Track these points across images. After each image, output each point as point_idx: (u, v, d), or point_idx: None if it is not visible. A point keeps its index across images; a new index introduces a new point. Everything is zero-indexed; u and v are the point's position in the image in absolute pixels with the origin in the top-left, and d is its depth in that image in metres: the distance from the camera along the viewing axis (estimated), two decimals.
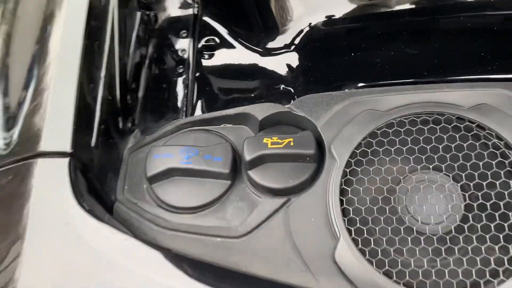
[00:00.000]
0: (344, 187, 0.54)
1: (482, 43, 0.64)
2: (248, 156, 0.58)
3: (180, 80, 0.75)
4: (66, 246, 0.52)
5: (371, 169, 0.55)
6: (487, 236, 0.49)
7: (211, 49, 0.76)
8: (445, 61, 0.64)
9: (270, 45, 0.74)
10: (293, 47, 0.72)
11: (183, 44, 0.77)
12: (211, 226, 0.57)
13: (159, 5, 0.78)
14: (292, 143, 0.58)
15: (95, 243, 0.51)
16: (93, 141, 0.61)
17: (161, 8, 0.78)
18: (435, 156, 0.54)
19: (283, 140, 0.58)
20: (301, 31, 0.72)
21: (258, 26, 0.76)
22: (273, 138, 0.59)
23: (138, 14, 0.74)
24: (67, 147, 0.57)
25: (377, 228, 0.52)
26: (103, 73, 0.64)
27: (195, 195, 0.60)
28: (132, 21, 0.73)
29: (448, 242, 0.50)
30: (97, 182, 0.62)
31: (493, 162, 0.53)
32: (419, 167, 0.55)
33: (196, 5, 0.79)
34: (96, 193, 0.60)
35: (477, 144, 0.54)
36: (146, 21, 0.76)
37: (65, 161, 0.56)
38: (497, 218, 0.50)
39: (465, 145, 0.54)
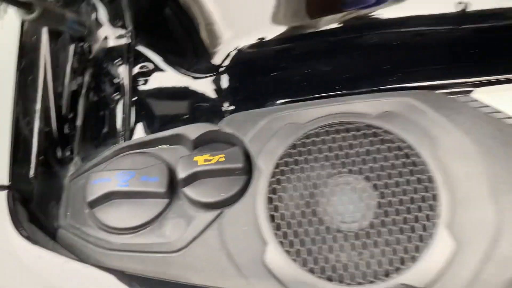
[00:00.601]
0: (270, 195, 0.60)
1: (386, 57, 0.72)
2: (181, 174, 0.62)
3: (117, 106, 0.79)
4: (9, 275, 0.55)
5: (293, 177, 0.61)
6: (395, 229, 0.56)
7: (145, 75, 0.80)
8: (355, 74, 0.71)
9: (201, 68, 0.79)
10: (222, 69, 0.78)
11: (119, 72, 0.81)
12: (151, 243, 0.61)
13: (92, 36, 0.81)
14: (223, 159, 0.63)
15: (37, 269, 0.54)
16: (32, 172, 0.64)
17: (94, 39, 0.82)
18: (349, 161, 0.61)
19: (214, 156, 0.63)
20: (229, 54, 0.77)
21: (189, 51, 0.81)
22: (204, 155, 0.63)
23: (72, 46, 0.78)
24: (4, 180, 0.59)
25: (301, 231, 0.57)
26: (38, 105, 0.67)
27: (134, 216, 0.63)
28: (65, 54, 0.76)
29: (363, 237, 0.56)
30: (38, 211, 0.64)
31: (398, 162, 0.59)
32: (335, 172, 0.61)
33: (129, 35, 0.83)
34: (38, 221, 0.63)
35: (384, 147, 0.61)
36: (80, 52, 0.79)
37: (3, 193, 0.58)
38: (403, 212, 0.56)
39: (374, 148, 0.61)
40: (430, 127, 0.61)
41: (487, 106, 0.63)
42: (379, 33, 0.74)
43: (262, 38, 0.76)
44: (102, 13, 0.83)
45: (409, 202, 0.57)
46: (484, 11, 0.72)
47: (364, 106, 0.64)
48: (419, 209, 0.56)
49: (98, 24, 0.83)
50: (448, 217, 0.55)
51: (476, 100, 0.64)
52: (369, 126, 0.62)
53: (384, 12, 0.73)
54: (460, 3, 0.73)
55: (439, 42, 0.72)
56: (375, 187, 0.59)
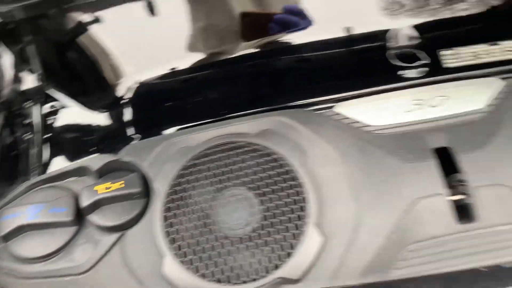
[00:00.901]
0: (166, 214, 0.67)
1: (266, 82, 0.83)
2: (84, 203, 0.69)
3: (30, 145, 0.84)
4: None
5: (185, 195, 0.69)
6: (273, 230, 0.65)
7: (55, 113, 0.87)
8: (239, 99, 0.81)
9: (106, 103, 0.86)
10: (124, 102, 0.85)
11: (30, 112, 0.87)
12: (61, 268, 0.67)
13: (1, 81, 0.87)
14: (122, 185, 0.70)
15: None
16: None
17: (3, 84, 0.87)
18: (233, 175, 0.69)
19: (114, 184, 0.70)
20: (130, 87, 0.85)
21: (94, 88, 0.89)
22: (105, 184, 0.70)
23: None
24: None
25: (193, 242, 0.65)
26: None
27: (46, 245, 0.69)
28: None
29: (246, 241, 0.65)
30: None
31: (274, 172, 0.69)
32: (222, 186, 0.69)
33: (38, 78, 0.89)
34: None
35: (262, 160, 0.70)
36: None
37: None
38: (279, 215, 0.65)
39: (253, 162, 0.70)
40: (299, 140, 0.71)
41: (347, 118, 0.74)
42: (265, 61, 0.85)
43: (159, 72, 0.84)
44: (10, 59, 0.89)
45: (283, 206, 0.66)
46: (354, 36, 0.85)
47: (246, 127, 0.74)
48: (292, 211, 0.66)
49: (7, 70, 0.88)
50: (316, 216, 0.65)
51: (338, 114, 0.75)
52: (249, 144, 0.71)
53: (278, 41, 0.84)
54: (346, 28, 0.85)
55: (312, 66, 0.83)
56: (256, 195, 0.68)
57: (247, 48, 0.88)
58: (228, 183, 0.69)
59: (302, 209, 0.66)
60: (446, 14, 0.83)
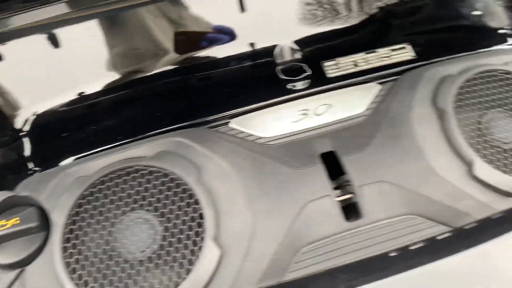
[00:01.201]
0: (65, 245, 0.67)
1: (162, 104, 0.85)
2: None
3: None
4: None
5: (84, 224, 0.69)
6: (172, 249, 0.66)
7: None
8: (135, 123, 0.83)
9: (4, 138, 0.84)
10: (22, 135, 0.84)
11: None
12: None
13: None
14: (18, 221, 0.69)
15: None
16: None
17: None
18: (131, 200, 0.71)
19: (8, 221, 0.69)
20: (28, 119, 0.84)
21: None
22: (0, 221, 0.69)
23: None
24: None
25: (93, 269, 0.66)
26: None
27: None
28: None
29: (147, 262, 0.66)
30: None
31: (171, 192, 0.71)
32: (120, 212, 0.70)
33: None
34: None
35: (159, 182, 0.72)
36: None
37: None
38: (177, 234, 0.67)
39: (151, 185, 0.72)
40: (195, 158, 0.74)
41: (241, 132, 0.78)
42: (165, 82, 0.88)
43: (56, 103, 0.84)
44: None
45: (181, 224, 0.68)
46: (247, 53, 0.89)
47: (142, 150, 0.75)
48: (190, 228, 0.68)
49: None
50: (213, 230, 0.67)
51: (233, 129, 0.79)
52: (146, 167, 0.73)
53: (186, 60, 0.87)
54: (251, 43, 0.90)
55: (210, 84, 0.87)
56: (155, 217, 0.70)
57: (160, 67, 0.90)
58: (127, 208, 0.71)
59: (199, 225, 0.68)
60: (327, 26, 0.90)
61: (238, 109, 0.81)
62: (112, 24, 0.87)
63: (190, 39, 0.92)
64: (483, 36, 0.93)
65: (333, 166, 0.75)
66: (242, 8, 0.91)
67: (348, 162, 0.74)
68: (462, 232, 0.64)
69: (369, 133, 0.77)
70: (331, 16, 0.93)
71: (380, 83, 0.84)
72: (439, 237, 0.61)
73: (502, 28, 0.96)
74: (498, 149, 0.74)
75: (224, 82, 0.87)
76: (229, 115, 0.81)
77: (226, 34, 0.91)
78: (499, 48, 0.92)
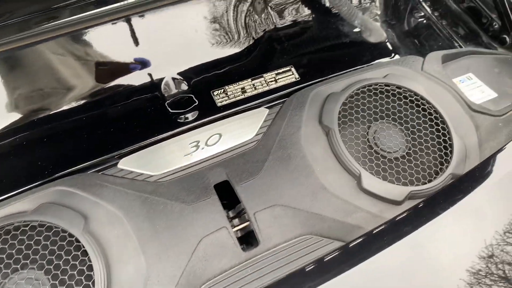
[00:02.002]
0: None
1: (43, 152, 0.81)
2: None
3: None
4: None
5: None
6: None
7: None
8: (12, 176, 0.78)
9: None
10: None
11: None
12: None
13: None
14: None
15: None
16: None
17: None
18: (19, 257, 0.65)
19: None
20: None
21: None
22: None
23: None
24: None
25: None
26: None
27: None
28: None
29: None
30: None
31: (60, 246, 0.66)
32: (9, 272, 0.64)
33: None
34: None
35: (45, 236, 0.67)
36: None
37: None
38: None
39: (37, 241, 0.66)
40: (80, 206, 0.70)
41: (131, 172, 0.76)
42: (45, 128, 0.83)
43: None
44: None
45: (72, 280, 0.64)
46: (132, 88, 0.88)
47: (23, 204, 0.70)
48: (80, 283, 0.64)
49: None
50: (104, 283, 0.64)
51: (122, 170, 0.76)
52: (27, 222, 0.68)
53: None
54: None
55: (97, 123, 0.84)
56: (46, 274, 0.65)
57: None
58: (11, 270, 0.65)
59: (88, 278, 0.64)
60: (215, 54, 0.91)
61: (127, 148, 0.79)
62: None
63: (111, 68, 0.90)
64: (364, 52, 0.98)
65: (228, 196, 0.75)
66: (136, 41, 0.90)
67: (242, 190, 0.74)
68: (351, 247, 0.66)
69: (261, 158, 0.78)
70: (225, 41, 0.94)
71: (269, 107, 0.85)
72: (327, 257, 0.61)
73: (381, 43, 1.01)
74: (383, 159, 0.78)
75: (112, 121, 0.84)
76: (117, 155, 0.78)
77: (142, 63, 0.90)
78: (379, 61, 0.97)
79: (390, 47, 1.02)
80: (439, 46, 1.05)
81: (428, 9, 1.10)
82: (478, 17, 1.03)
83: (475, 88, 0.95)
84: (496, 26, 1.01)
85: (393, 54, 1.00)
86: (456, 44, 1.05)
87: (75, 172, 0.76)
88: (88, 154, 0.78)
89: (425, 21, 1.10)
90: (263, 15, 0.97)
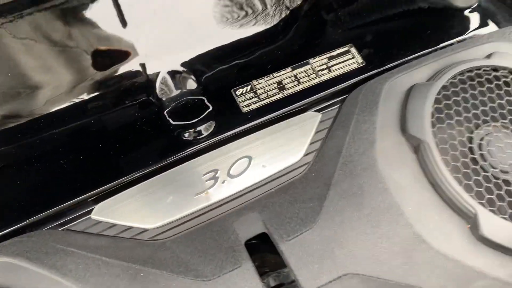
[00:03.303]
0: None
1: None
2: None
3: None
4: None
5: None
6: None
7: None
8: None
9: None
10: None
11: None
12: None
13: None
14: None
15: None
16: None
17: None
18: None
19: None
20: None
21: None
22: None
23: None
24: None
25: None
26: None
27: None
28: None
29: None
30: None
31: None
32: None
33: None
34: None
35: None
36: None
37: None
38: None
39: None
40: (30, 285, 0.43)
41: (113, 224, 0.48)
42: None
43: None
44: None
45: None
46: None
47: None
48: None
49: None
50: None
51: (98, 222, 0.48)
52: None
53: None
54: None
55: (55, 152, 0.55)
56: None
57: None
58: None
59: None
60: (235, 35, 0.60)
61: (105, 187, 0.50)
62: None
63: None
64: (452, 21, 0.68)
65: (267, 258, 0.47)
66: (124, 21, 0.61)
67: (290, 250, 0.46)
68: None
69: (316, 194, 0.49)
70: (249, 13, 0.64)
71: (321, 110, 0.56)
72: None
73: (475, 6, 0.71)
74: (504, 186, 0.49)
75: (81, 144, 0.55)
76: (91, 197, 0.50)
77: None
78: (476, 34, 0.67)
79: (487, 12, 0.72)
80: None
81: None
82: None
83: None
84: None
85: (492, 23, 0.70)
86: None
87: (25, 228, 0.48)
88: (46, 197, 0.50)
89: None
90: None
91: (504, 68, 0.56)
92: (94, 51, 0.57)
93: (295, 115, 0.56)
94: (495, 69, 0.57)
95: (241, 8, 0.62)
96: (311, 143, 0.53)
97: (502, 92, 0.55)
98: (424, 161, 0.50)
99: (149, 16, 0.59)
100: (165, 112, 0.56)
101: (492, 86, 0.55)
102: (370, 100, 0.55)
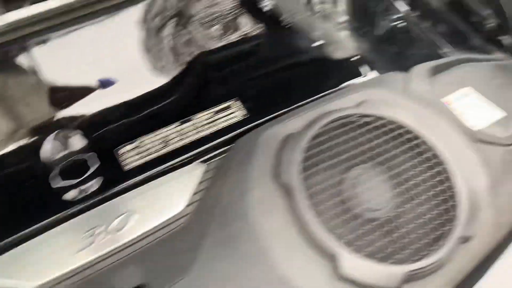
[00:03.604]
0: None
1: None
2: None
3: None
4: None
5: None
6: None
7: None
8: None
9: None
10: None
11: None
12: None
13: None
14: None
15: None
16: None
17: None
18: None
19: None
20: None
21: None
22: None
23: None
24: None
25: None
26: None
27: None
28: None
29: None
30: None
31: None
32: None
33: None
34: None
35: None
36: None
37: None
38: None
39: None
40: None
41: None
42: None
43: None
44: None
45: None
46: None
47: None
48: None
49: None
50: None
51: None
52: None
53: None
54: None
55: None
56: None
57: None
58: None
59: None
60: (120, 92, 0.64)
61: None
62: None
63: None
64: (329, 73, 0.75)
65: None
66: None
67: None
68: None
69: (194, 244, 0.53)
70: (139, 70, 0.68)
71: (206, 161, 0.61)
72: None
73: (351, 58, 0.78)
74: (367, 225, 0.54)
75: None
76: None
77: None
78: (350, 84, 0.74)
79: (362, 63, 0.79)
80: (423, 55, 0.83)
81: (405, 9, 0.88)
82: (467, 14, 0.82)
83: (476, 107, 0.72)
84: (490, 25, 0.79)
85: (367, 72, 0.77)
86: (442, 51, 0.84)
87: None
88: None
89: (403, 25, 0.88)
90: (192, 33, 0.72)
91: (370, 115, 0.63)
92: None
93: (182, 167, 0.60)
94: (363, 115, 0.63)
95: (133, 63, 0.67)
96: (194, 194, 0.57)
97: (371, 135, 0.62)
98: (293, 206, 0.54)
99: None
100: (50, 174, 0.58)
101: (361, 131, 0.62)
102: (248, 150, 0.59)
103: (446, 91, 0.73)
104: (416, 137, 0.61)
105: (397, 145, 0.61)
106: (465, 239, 0.54)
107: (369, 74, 0.75)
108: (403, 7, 0.88)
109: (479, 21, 0.82)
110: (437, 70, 0.75)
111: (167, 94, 0.67)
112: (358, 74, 0.75)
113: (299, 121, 0.62)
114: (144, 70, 0.70)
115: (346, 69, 0.75)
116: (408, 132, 0.61)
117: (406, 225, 0.54)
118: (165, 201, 0.56)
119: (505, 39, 0.79)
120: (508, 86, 0.75)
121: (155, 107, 0.65)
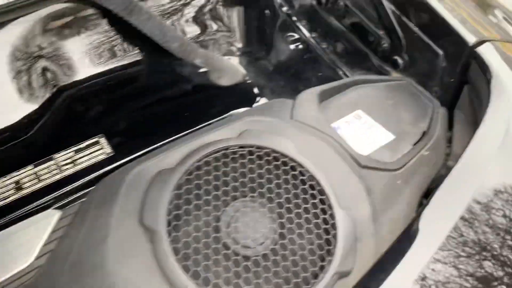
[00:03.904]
0: None
1: None
2: None
3: None
4: None
5: None
6: None
7: None
8: None
9: None
10: None
11: None
12: None
13: None
14: None
15: None
16: None
17: None
18: None
19: None
20: None
21: None
22: None
23: None
24: None
25: None
26: None
27: None
28: None
29: None
30: None
31: None
32: None
33: None
34: None
35: None
36: None
37: None
38: None
39: None
40: None
41: None
42: None
43: None
44: None
45: None
46: None
47: None
48: None
49: None
50: None
51: None
52: None
53: None
54: None
55: None
56: None
57: None
58: None
59: None
60: None
61: None
62: None
63: None
64: (212, 102, 0.71)
65: None
66: None
67: None
68: None
69: None
70: None
71: (64, 206, 0.54)
72: None
73: (239, 85, 0.75)
74: (243, 262, 0.49)
75: None
76: None
77: None
78: (235, 113, 0.70)
79: (252, 89, 0.76)
80: (320, 78, 0.82)
81: (304, 30, 0.87)
82: (364, 34, 0.81)
83: (366, 130, 0.71)
84: (385, 45, 0.79)
85: (257, 99, 0.74)
86: (341, 72, 0.83)
87: None
88: None
89: (301, 46, 0.86)
90: (48, 63, 0.65)
91: (250, 146, 0.59)
92: None
93: (34, 215, 0.53)
94: (242, 146, 0.59)
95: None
96: (45, 244, 0.50)
97: (252, 166, 0.58)
98: (156, 251, 0.49)
99: None
100: None
101: (241, 162, 0.57)
102: (110, 192, 0.54)
103: (337, 115, 0.72)
104: (297, 167, 0.58)
105: (278, 175, 0.58)
106: (343, 274, 0.51)
107: (259, 101, 0.72)
108: (301, 28, 0.87)
109: (377, 42, 0.82)
110: (329, 93, 0.73)
111: (22, 131, 0.60)
112: (248, 101, 0.71)
113: (174, 155, 0.58)
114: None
115: (233, 97, 0.72)
116: (290, 161, 0.58)
117: (283, 261, 0.51)
118: (11, 254, 0.49)
119: (399, 59, 0.79)
120: (399, 106, 0.75)
121: (5, 147, 0.58)
